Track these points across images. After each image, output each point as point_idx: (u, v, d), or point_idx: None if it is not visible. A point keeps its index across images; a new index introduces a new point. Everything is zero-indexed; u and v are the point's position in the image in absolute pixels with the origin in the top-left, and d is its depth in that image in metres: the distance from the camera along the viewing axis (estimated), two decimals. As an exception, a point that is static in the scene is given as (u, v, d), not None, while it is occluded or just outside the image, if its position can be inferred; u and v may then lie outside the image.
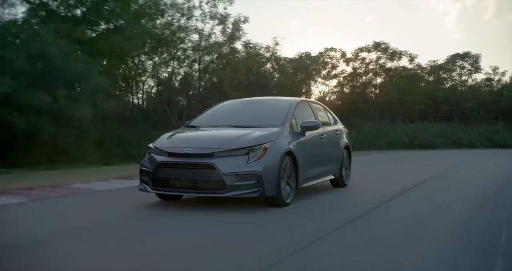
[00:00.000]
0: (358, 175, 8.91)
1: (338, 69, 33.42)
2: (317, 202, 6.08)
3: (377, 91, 32.81)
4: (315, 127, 6.35)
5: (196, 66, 25.28)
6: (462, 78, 33.25)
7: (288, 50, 68.86)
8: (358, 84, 33.05)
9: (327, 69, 32.99)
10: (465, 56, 32.56)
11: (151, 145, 5.87)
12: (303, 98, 7.37)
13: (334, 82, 33.99)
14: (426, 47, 62.56)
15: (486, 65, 42.24)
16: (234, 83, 24.52)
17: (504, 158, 17.13)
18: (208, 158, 5.22)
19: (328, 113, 7.81)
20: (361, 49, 32.90)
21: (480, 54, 33.15)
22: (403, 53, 32.63)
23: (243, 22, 24.34)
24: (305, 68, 30.68)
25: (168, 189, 5.44)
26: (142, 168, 5.72)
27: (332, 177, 7.22)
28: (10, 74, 11.88)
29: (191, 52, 24.02)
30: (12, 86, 11.50)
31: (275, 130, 5.74)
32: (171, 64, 24.67)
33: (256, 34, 59.70)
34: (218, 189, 5.16)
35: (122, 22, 19.03)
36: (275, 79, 30.33)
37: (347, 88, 33.58)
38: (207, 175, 5.19)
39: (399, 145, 26.64)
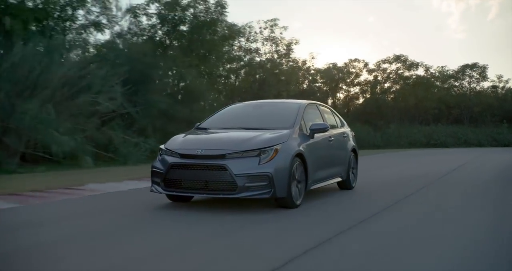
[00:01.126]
0: (410, 163, 14.86)
1: (361, 78, 38.30)
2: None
3: (396, 97, 37.11)
4: (324, 129, 6.41)
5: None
6: (471, 85, 38.28)
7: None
8: (378, 91, 37.44)
9: (351, 78, 37.65)
10: (473, 66, 37.40)
11: (162, 147, 5.93)
12: (311, 101, 7.43)
13: (356, 89, 38.76)
14: (428, 47, 63.04)
15: (492, 68, 46.08)
16: (290, 94, 29.81)
17: (510, 154, 21.23)
18: (220, 159, 5.29)
19: (335, 116, 7.89)
20: (383, 61, 37.73)
21: (487, 65, 38.20)
22: (420, 64, 37.43)
23: (295, 43, 30.86)
24: (333, 78, 35.54)
25: (180, 190, 5.51)
26: (153, 169, 5.78)
27: (339, 179, 7.28)
28: (166, 94, 17.73)
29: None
30: (168, 103, 16.36)
31: (285, 132, 5.81)
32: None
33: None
34: (230, 190, 5.22)
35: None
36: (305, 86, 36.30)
37: (368, 94, 37.95)
38: (219, 176, 5.25)
39: (418, 144, 30.72)
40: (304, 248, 3.69)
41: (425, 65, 37.76)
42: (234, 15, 60.56)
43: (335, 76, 35.96)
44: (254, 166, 5.25)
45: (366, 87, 37.84)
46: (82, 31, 16.53)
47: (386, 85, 37.91)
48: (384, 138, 30.39)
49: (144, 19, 20.57)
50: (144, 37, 20.36)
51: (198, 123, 6.85)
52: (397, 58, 36.83)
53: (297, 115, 6.30)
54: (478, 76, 37.70)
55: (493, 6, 63.62)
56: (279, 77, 30.03)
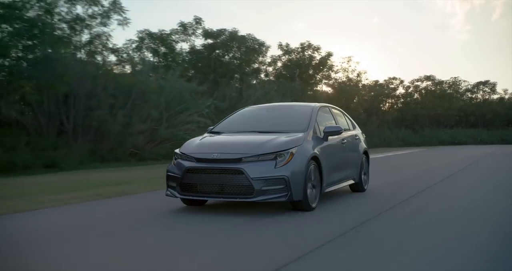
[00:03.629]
0: (455, 152, 23.81)
1: (397, 92, 49.11)
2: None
3: (427, 107, 46.94)
4: (338, 132, 6.41)
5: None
6: (484, 97, 50.25)
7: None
8: (411, 101, 48.36)
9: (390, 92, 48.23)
10: (485, 83, 49.59)
11: (177, 151, 5.94)
12: (323, 103, 7.43)
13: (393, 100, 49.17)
14: (432, 47, 63.25)
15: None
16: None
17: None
18: (236, 163, 5.29)
19: (347, 119, 7.89)
20: (416, 80, 49.49)
21: (496, 82, 51.35)
22: (445, 82, 49.44)
23: (363, 73, 42.48)
24: (380, 92, 45.51)
25: (196, 194, 5.51)
26: (169, 173, 5.79)
27: (352, 181, 7.28)
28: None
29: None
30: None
31: (300, 135, 5.81)
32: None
33: (260, 33, 60.59)
34: (247, 194, 5.23)
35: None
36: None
37: (401, 104, 48.80)
38: (235, 180, 5.26)
39: (445, 143, 40.72)
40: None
41: (449, 82, 49.65)
42: (235, 14, 60.71)
43: (379, 91, 45.60)
44: (270, 169, 5.26)
45: (402, 99, 48.88)
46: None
47: (418, 97, 49.11)
48: (421, 138, 40.87)
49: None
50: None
51: (211, 127, 6.85)
52: (427, 78, 49.40)
53: (311, 118, 6.30)
54: (489, 90, 50.13)
55: (497, 7, 63.71)
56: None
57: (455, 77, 50.15)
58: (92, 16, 17.57)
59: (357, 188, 7.54)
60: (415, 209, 5.93)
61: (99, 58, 18.73)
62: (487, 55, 72.70)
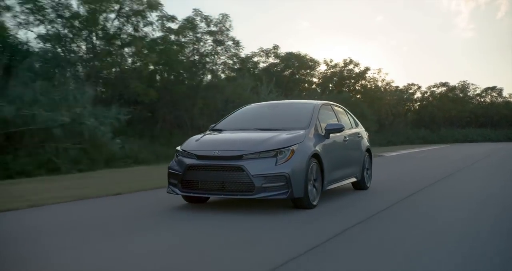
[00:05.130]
0: (466, 148, 26.40)
1: (415, 96, 55.24)
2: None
3: (442, 110, 52.54)
4: (340, 130, 6.39)
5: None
6: (492, 101, 56.26)
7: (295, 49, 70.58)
8: (429, 105, 53.77)
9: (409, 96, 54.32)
10: (493, 88, 56.12)
11: (179, 148, 5.95)
12: (325, 101, 7.42)
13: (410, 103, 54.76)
14: (436, 45, 63.05)
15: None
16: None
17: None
18: (237, 160, 5.30)
19: (349, 116, 7.87)
20: (433, 86, 55.97)
21: (502, 88, 58.43)
22: (457, 87, 55.64)
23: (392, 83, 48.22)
24: (400, 97, 50.79)
25: (197, 191, 5.53)
26: (170, 170, 5.81)
27: (354, 179, 7.26)
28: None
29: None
30: None
31: (302, 132, 5.80)
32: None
33: (262, 33, 60.64)
34: (247, 191, 5.23)
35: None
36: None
37: (418, 107, 54.71)
38: (236, 177, 5.26)
39: (459, 141, 45.22)
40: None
41: (459, 86, 55.94)
42: (238, 13, 60.87)
43: (400, 96, 50.99)
44: (271, 167, 5.26)
45: (419, 103, 55.34)
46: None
47: (432, 100, 54.80)
48: (438, 137, 45.75)
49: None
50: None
51: (213, 125, 6.86)
52: (443, 84, 56.43)
53: (313, 116, 6.29)
54: (496, 95, 56.99)
55: (502, 5, 63.35)
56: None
57: (464, 81, 56.99)
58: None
59: (359, 185, 7.52)
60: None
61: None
62: (492, 54, 72.47)
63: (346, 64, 43.19)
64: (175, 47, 20.96)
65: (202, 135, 6.32)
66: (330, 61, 42.76)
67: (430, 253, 3.57)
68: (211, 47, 22.51)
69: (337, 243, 3.94)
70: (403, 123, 47.67)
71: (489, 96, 56.90)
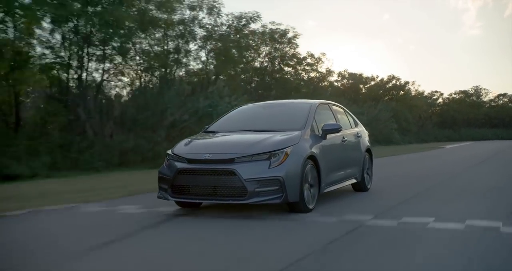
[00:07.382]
0: (486, 145, 32.41)
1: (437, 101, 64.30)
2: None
3: (462, 113, 61.64)
4: (337, 130, 6.14)
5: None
6: (504, 105, 65.50)
7: (303, 49, 70.52)
8: (450, 109, 62.32)
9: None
10: (504, 94, 66.45)
11: (169, 152, 5.73)
12: (323, 100, 7.17)
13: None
14: (442, 45, 62.82)
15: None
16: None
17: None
18: (229, 164, 5.07)
19: (349, 116, 7.61)
20: (453, 93, 65.75)
21: None
22: (473, 94, 64.93)
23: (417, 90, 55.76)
24: (426, 102, 57.99)
25: (188, 196, 5.30)
26: (160, 175, 5.58)
27: (354, 181, 7.02)
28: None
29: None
30: None
31: (296, 134, 5.56)
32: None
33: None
34: (240, 196, 5.01)
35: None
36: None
37: (439, 110, 63.39)
38: (228, 181, 5.04)
39: (476, 139, 52.37)
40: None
41: (474, 92, 65.06)
42: (244, 12, 60.52)
43: (425, 101, 58.25)
44: (264, 170, 5.02)
45: (439, 107, 63.96)
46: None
47: (454, 105, 63.78)
48: (459, 136, 54.20)
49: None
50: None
51: (207, 127, 6.63)
52: (463, 92, 65.38)
53: (308, 116, 6.04)
54: (507, 100, 66.46)
55: (509, 2, 63.13)
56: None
57: (477, 86, 66.54)
58: None
59: (359, 187, 7.28)
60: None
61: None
62: (499, 51, 72.36)
63: (390, 79, 52.82)
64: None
65: (194, 138, 6.09)
66: (377, 76, 52.34)
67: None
68: None
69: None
70: (430, 124, 56.06)
71: (501, 102, 67.71)
